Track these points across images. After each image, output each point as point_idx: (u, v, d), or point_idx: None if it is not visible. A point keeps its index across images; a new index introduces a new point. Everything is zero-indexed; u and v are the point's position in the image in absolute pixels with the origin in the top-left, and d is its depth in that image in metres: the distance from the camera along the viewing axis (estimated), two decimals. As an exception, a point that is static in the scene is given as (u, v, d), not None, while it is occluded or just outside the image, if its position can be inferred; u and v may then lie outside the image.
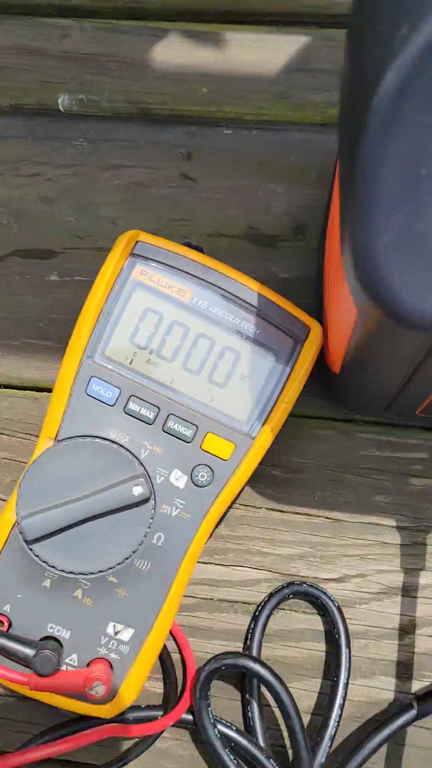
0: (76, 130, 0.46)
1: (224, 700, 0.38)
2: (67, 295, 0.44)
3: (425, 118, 0.22)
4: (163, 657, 0.38)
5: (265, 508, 0.40)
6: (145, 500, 0.33)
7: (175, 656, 0.39)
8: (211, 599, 0.40)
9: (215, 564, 0.40)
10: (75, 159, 0.46)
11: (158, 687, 0.39)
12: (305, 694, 0.38)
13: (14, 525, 0.34)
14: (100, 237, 0.45)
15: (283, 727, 0.38)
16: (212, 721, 0.35)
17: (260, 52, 0.47)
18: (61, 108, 0.47)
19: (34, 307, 0.44)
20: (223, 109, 0.46)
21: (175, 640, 0.38)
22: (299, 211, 0.44)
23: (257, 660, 0.35)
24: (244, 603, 0.39)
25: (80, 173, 0.46)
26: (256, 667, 0.34)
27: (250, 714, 0.37)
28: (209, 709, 0.35)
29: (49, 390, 0.43)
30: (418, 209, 0.23)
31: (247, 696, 0.37)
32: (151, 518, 0.34)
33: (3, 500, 0.42)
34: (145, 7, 0.49)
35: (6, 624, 0.34)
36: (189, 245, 0.37)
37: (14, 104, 0.47)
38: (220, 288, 0.35)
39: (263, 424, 0.35)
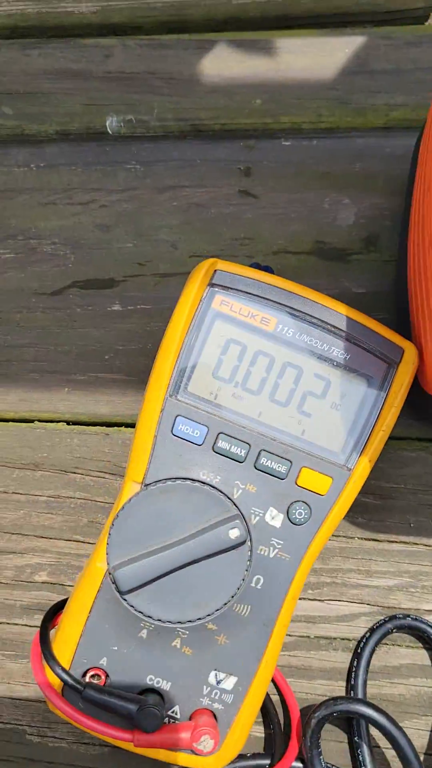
0: (127, 152, 0.45)
1: (330, 742, 0.36)
2: (131, 325, 0.43)
3: None
4: (264, 700, 0.36)
5: (358, 538, 0.38)
6: (242, 543, 0.32)
7: (275, 698, 0.37)
8: (308, 637, 0.38)
9: (310, 599, 0.38)
10: (129, 183, 0.44)
11: (258, 731, 0.37)
12: (416, 733, 0.36)
13: (105, 575, 0.33)
14: (161, 262, 0.43)
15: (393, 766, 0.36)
16: (325, 770, 0.33)
17: (314, 56, 0.45)
18: (109, 131, 0.46)
19: (97, 339, 0.43)
20: (279, 119, 0.44)
21: (274, 683, 0.36)
22: (369, 222, 0.42)
23: (371, 704, 0.33)
24: (343, 639, 0.37)
25: (135, 197, 0.44)
26: (371, 712, 0.32)
27: (360, 758, 0.35)
28: (321, 757, 0.33)
29: (120, 425, 0.42)
30: None
31: (356, 739, 0.35)
32: (249, 561, 0.32)
33: (81, 542, 0.40)
34: (188, 18, 0.47)
35: (103, 677, 0.33)
36: (257, 266, 0.35)
37: (61, 130, 0.46)
38: (305, 314, 0.33)
39: (360, 455, 0.33)
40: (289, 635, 0.38)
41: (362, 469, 0.33)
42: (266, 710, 0.37)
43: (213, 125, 0.45)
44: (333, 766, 0.34)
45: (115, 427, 0.42)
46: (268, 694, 0.37)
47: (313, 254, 0.42)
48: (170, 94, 0.45)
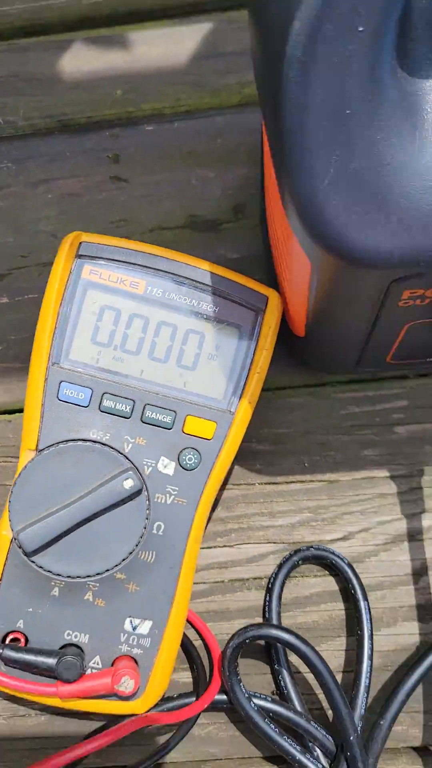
0: (-1, 153, 0.47)
1: (254, 676, 0.38)
2: (22, 315, 0.44)
3: (339, 58, 0.22)
4: (187, 646, 0.38)
5: (258, 483, 0.41)
6: (138, 492, 0.34)
7: (198, 643, 0.39)
8: (222, 581, 0.40)
9: (220, 547, 0.40)
10: (3, 181, 0.46)
11: (186, 677, 0.39)
12: (333, 654, 0.39)
13: (12, 542, 0.34)
14: (44, 252, 0.45)
15: (316, 691, 0.38)
16: (247, 695, 0.35)
17: (167, 45, 0.47)
18: (-21, 134, 0.47)
19: (-10, 332, 0.44)
20: (140, 107, 0.47)
21: (194, 627, 0.38)
22: (235, 192, 0.45)
23: (280, 627, 0.35)
24: (255, 579, 0.40)
25: (11, 194, 0.46)
26: (281, 633, 0.35)
27: (282, 683, 0.37)
28: (241, 684, 0.35)
29: (21, 410, 0.43)
30: (350, 149, 0.23)
31: (276, 666, 0.37)
32: (148, 509, 0.34)
33: (-3, 528, 0.41)
34: (45, 21, 0.49)
35: (23, 640, 0.34)
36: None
37: None
38: (171, 273, 0.35)
39: (240, 398, 0.35)
40: (204, 582, 0.40)
41: (244, 411, 0.35)
42: (190, 655, 0.38)
43: (79, 119, 0.47)
44: (256, 693, 0.36)
45: (17, 414, 0.43)
46: (190, 639, 0.38)
47: (187, 227, 0.45)
48: (34, 94, 0.47)
